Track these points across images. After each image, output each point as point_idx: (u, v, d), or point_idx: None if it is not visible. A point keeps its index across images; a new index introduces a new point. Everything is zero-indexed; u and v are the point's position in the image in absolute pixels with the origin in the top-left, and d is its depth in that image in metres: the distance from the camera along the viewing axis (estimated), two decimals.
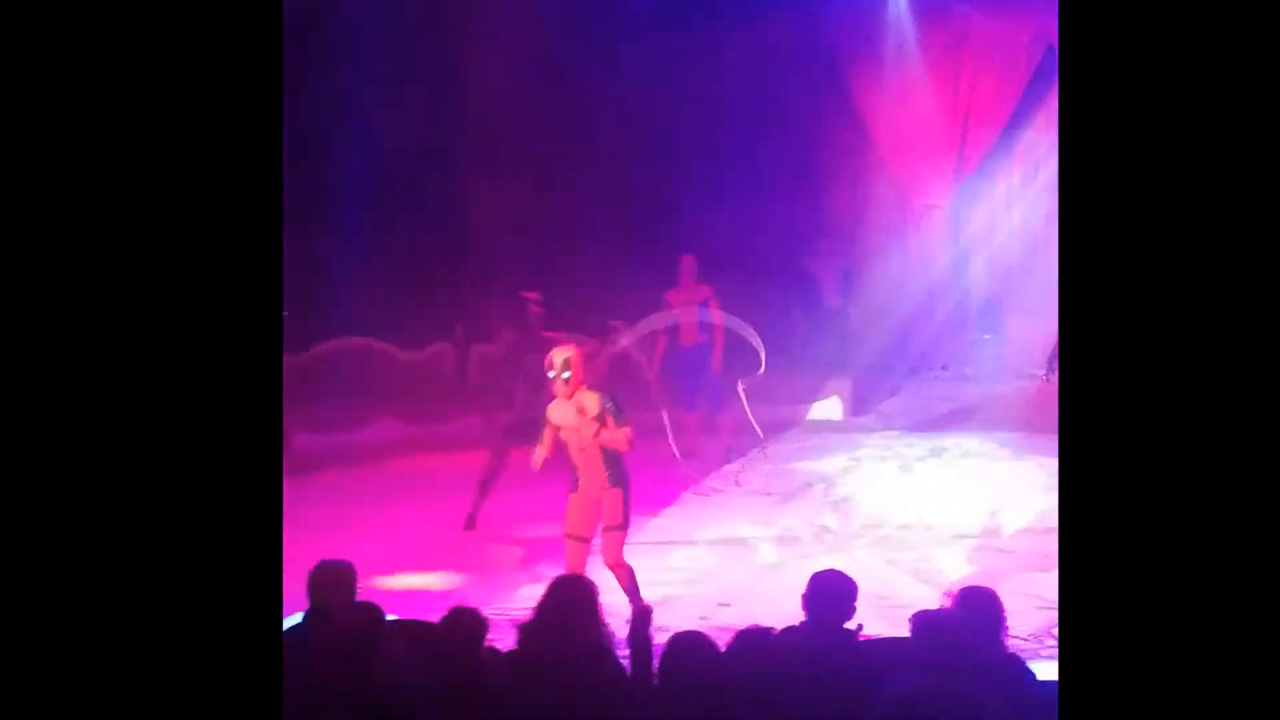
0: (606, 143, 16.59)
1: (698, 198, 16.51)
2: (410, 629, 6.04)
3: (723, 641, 5.38)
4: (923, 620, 5.41)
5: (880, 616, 8.10)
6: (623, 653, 5.85)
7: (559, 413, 8.18)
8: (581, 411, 8.08)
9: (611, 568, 8.14)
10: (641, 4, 16.16)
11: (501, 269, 15.38)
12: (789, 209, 17.17)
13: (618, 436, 8.08)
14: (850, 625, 5.88)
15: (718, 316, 13.13)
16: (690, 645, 5.29)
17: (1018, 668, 5.67)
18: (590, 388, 8.18)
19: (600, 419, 8.05)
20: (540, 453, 8.29)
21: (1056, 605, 5.78)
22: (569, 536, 8.20)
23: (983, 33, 16.87)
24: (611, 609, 6.06)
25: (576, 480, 8.22)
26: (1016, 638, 6.93)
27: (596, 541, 8.28)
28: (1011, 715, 5.08)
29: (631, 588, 8.10)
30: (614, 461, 8.15)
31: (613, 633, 5.59)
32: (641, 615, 6.04)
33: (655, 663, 5.44)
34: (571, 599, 5.54)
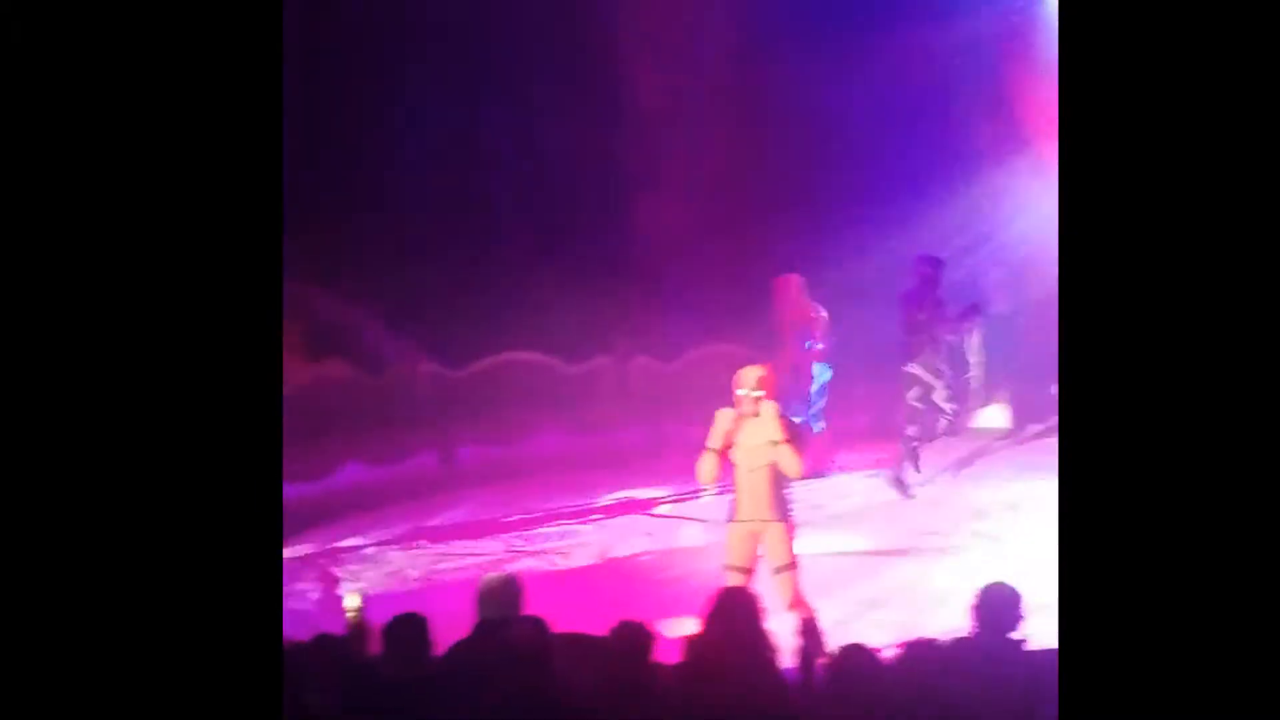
0: (766, 152, 16.54)
1: (848, 203, 16.43)
2: (579, 641, 6.09)
3: (889, 653, 5.37)
4: None
5: (1046, 627, 8.01)
6: (789, 664, 5.86)
7: (739, 430, 7.90)
8: (763, 431, 7.85)
9: (792, 608, 7.73)
10: (794, 19, 16.16)
11: (663, 281, 15.47)
12: (950, 214, 16.97)
13: (795, 459, 7.83)
14: (1017, 636, 5.83)
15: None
16: (856, 656, 5.28)
17: None
18: (775, 411, 7.92)
19: (779, 441, 7.81)
20: (710, 469, 7.96)
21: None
22: (730, 568, 7.93)
23: None
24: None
25: (736, 507, 7.98)
26: None
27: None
28: None
29: (814, 629, 7.50)
30: (780, 491, 7.90)
31: (778, 644, 5.58)
32: (808, 626, 6.05)
33: (821, 673, 5.45)
34: (736, 610, 5.55)
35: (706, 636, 5.49)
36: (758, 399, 7.85)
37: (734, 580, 7.76)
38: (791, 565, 7.88)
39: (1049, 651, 6.07)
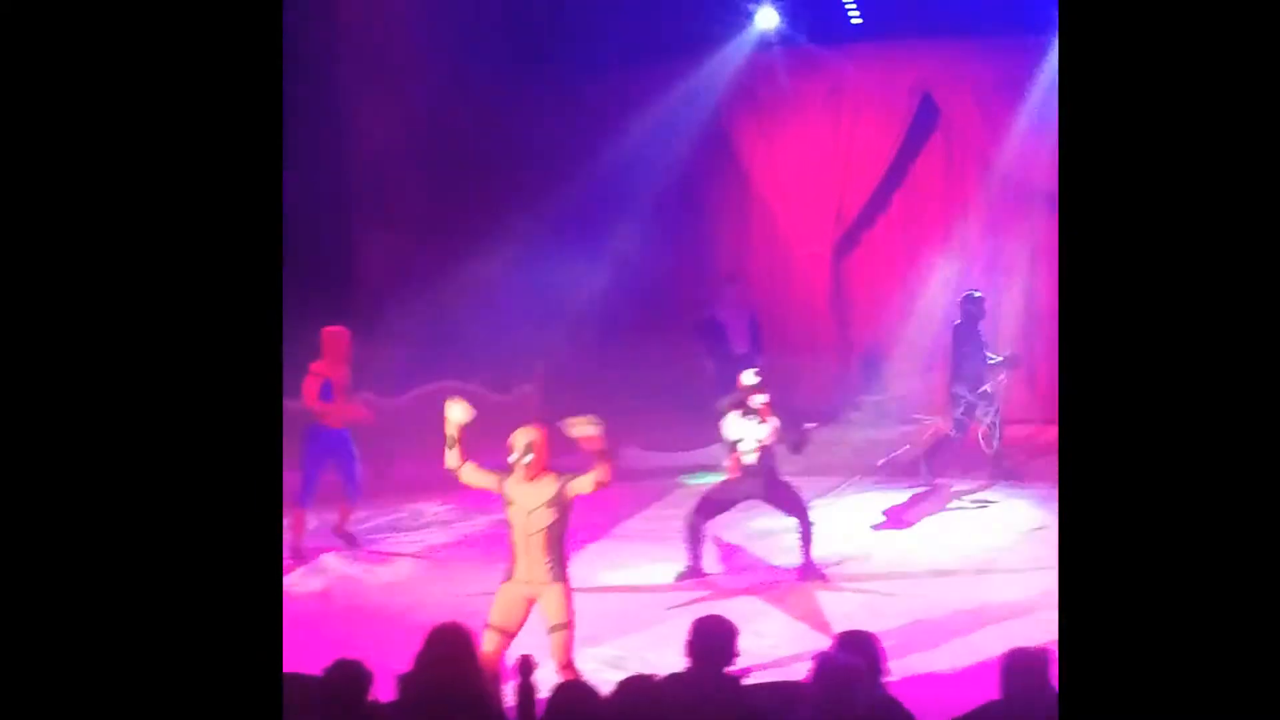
0: (490, 193, 16.61)
1: (590, 246, 16.61)
2: (294, 681, 5.97)
3: (608, 690, 5.38)
4: (825, 663, 5.41)
5: (760, 664, 8.16)
6: (508, 703, 5.84)
7: (515, 490, 7.74)
8: (541, 494, 7.69)
9: (562, 670, 7.54)
10: (517, 59, 16.29)
11: (385, 317, 15.37)
12: (688, 260, 17.24)
13: (584, 481, 7.68)
14: (734, 670, 5.89)
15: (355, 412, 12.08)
16: (574, 694, 5.29)
17: (898, 710, 5.73)
18: (550, 471, 7.72)
19: (560, 495, 7.67)
20: (453, 457, 7.84)
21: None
22: (491, 627, 7.68)
23: (859, 82, 17.09)
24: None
25: (512, 569, 7.76)
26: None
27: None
28: None
29: (532, 667, 6.98)
30: (557, 552, 7.71)
31: (493, 680, 5.57)
32: (525, 665, 6.04)
33: (539, 711, 5.44)
34: (449, 649, 5.50)
35: (420, 674, 5.44)
36: (528, 464, 7.63)
37: (494, 641, 7.61)
38: (569, 624, 7.69)
39: (766, 684, 6.17)
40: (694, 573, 10.88)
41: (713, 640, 5.86)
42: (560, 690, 5.27)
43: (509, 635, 7.70)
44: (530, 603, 7.75)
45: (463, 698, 5.34)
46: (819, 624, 9.56)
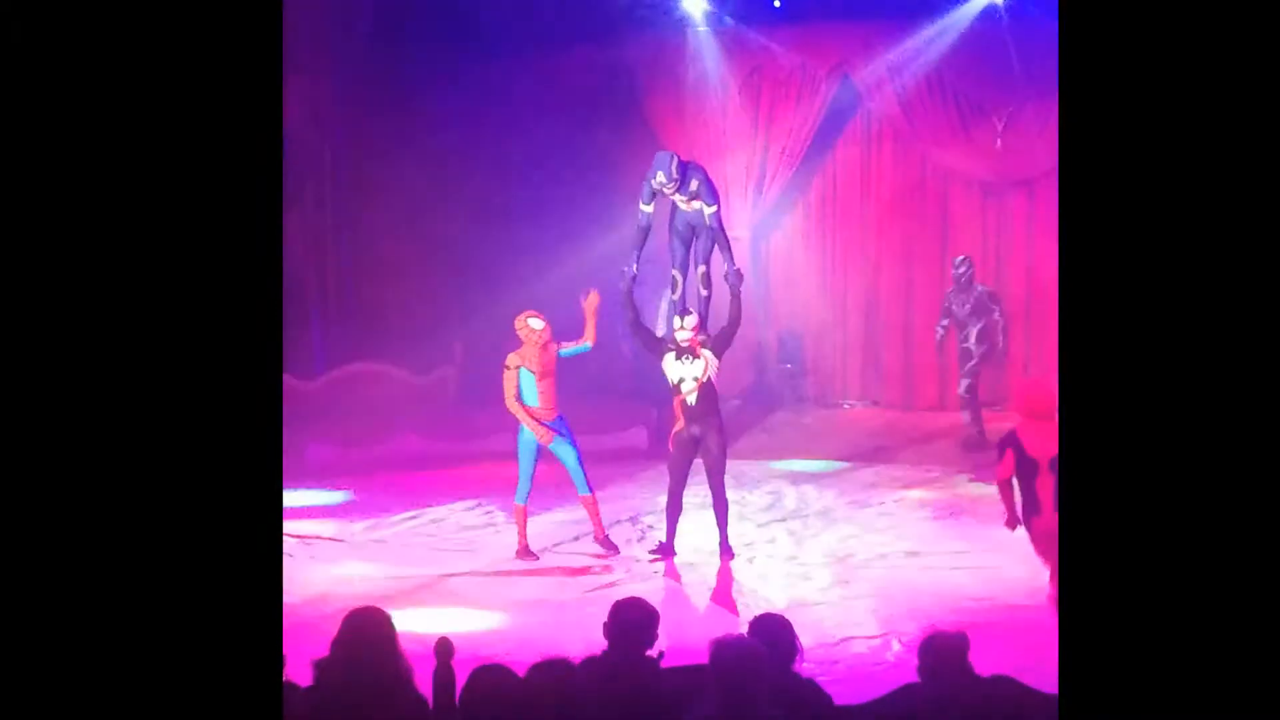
0: (408, 177, 16.49)
1: (507, 231, 16.55)
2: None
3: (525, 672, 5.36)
4: (722, 647, 5.40)
5: (682, 643, 8.17)
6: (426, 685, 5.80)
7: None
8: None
9: None
10: (437, 35, 16.20)
11: (305, 298, 15.25)
12: (607, 244, 17.21)
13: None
14: (652, 653, 5.88)
15: None
16: (491, 676, 5.26)
17: (813, 691, 5.74)
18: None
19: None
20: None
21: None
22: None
23: (780, 65, 17.10)
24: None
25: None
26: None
27: None
28: None
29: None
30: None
31: (411, 665, 5.53)
32: (443, 647, 6.01)
33: (457, 694, 5.41)
34: (366, 633, 5.45)
35: (335, 659, 5.38)
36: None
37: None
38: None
39: (685, 667, 6.17)
40: (667, 549, 10.89)
41: (633, 622, 5.84)
42: (477, 674, 5.24)
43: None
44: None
45: (380, 681, 5.29)
46: (730, 605, 9.58)
